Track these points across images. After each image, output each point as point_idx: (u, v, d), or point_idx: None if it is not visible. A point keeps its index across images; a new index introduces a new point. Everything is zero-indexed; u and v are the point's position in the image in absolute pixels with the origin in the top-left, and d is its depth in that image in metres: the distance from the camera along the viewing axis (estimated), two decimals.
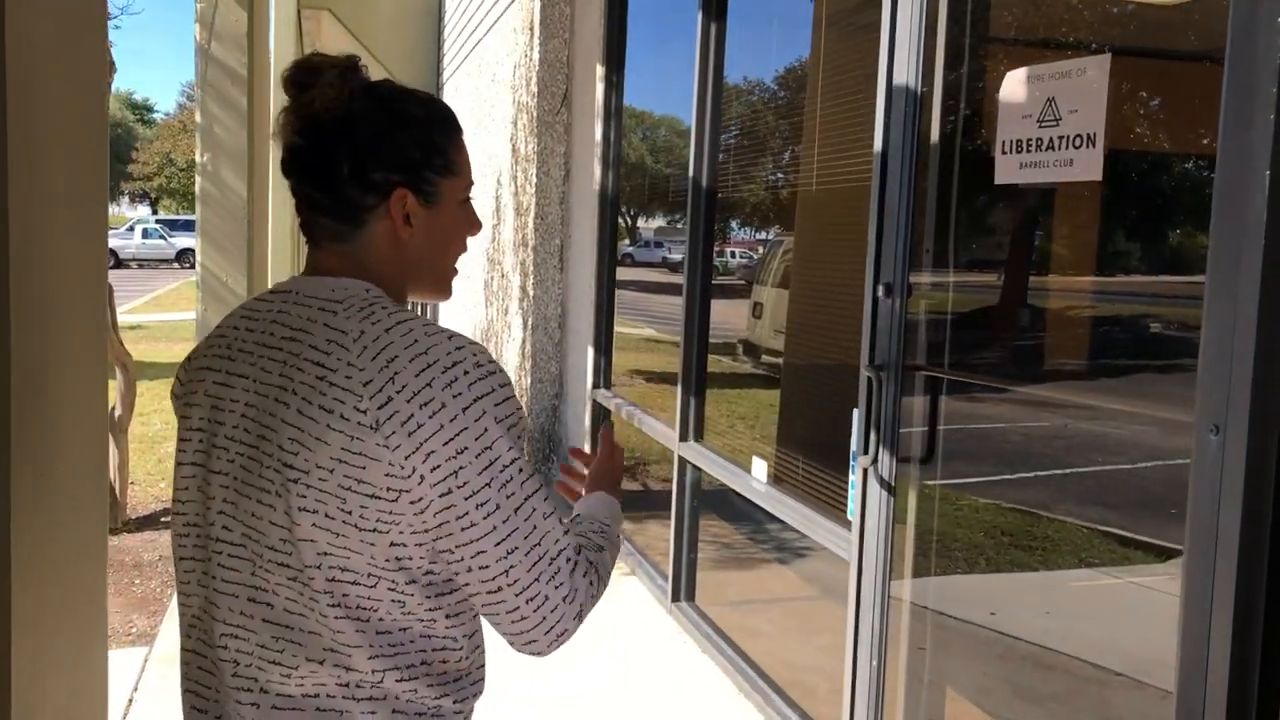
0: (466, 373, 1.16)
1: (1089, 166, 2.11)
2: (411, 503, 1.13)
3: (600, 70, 5.96)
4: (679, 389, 4.55)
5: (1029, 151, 2.26)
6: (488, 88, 9.34)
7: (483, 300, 9.21)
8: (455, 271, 1.36)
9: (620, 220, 6.09)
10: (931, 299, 2.70)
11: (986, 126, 2.51)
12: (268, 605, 1.19)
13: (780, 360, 3.98)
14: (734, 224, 4.64)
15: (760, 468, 3.82)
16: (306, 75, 1.24)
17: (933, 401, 2.65)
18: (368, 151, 1.23)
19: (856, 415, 3.03)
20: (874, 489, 2.77)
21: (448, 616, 1.21)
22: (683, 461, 4.55)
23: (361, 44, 10.70)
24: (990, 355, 2.66)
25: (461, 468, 1.14)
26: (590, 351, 6.11)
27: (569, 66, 6.76)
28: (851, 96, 3.28)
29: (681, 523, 4.60)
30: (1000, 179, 2.36)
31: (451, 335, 1.19)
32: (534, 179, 7.02)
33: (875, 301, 2.77)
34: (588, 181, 6.19)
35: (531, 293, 7.08)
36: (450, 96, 11.98)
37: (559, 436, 6.99)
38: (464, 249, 1.35)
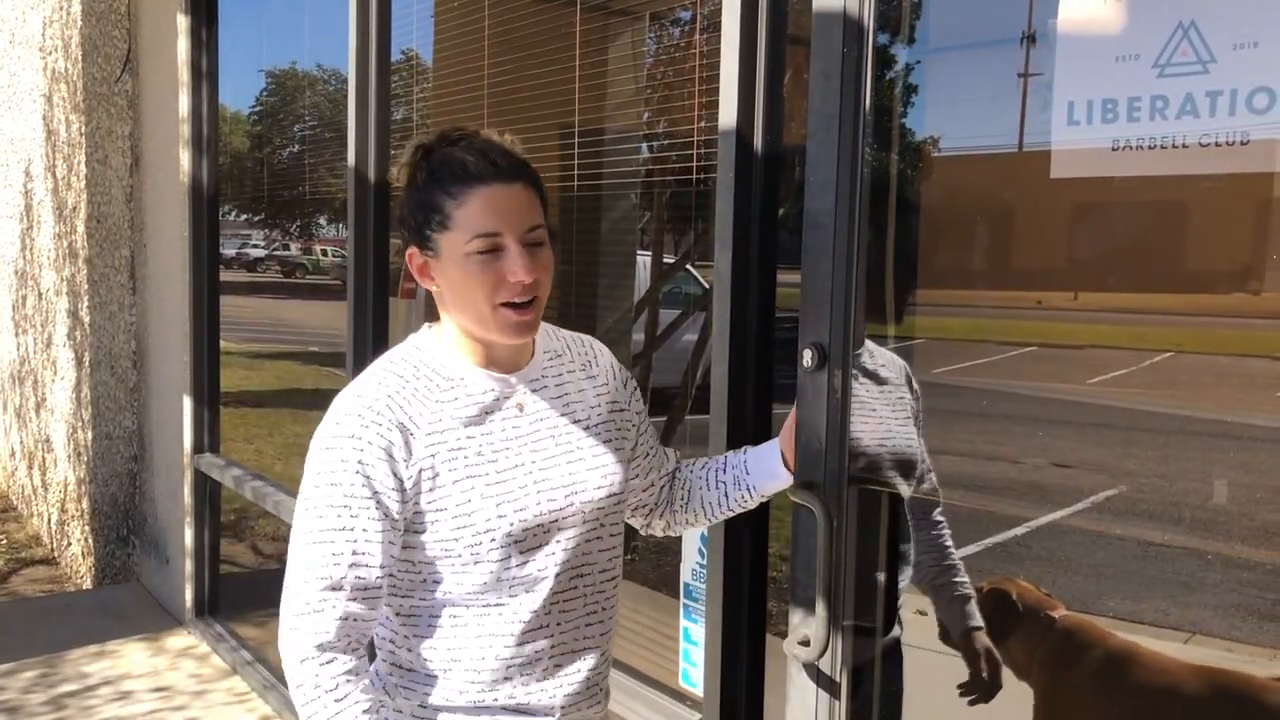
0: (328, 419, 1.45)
1: None
2: None
3: (184, 21, 4.39)
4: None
5: (1133, 120, 1.29)
6: (4, 53, 7.20)
7: (10, 329, 7.09)
8: (499, 311, 1.40)
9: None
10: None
11: (1012, 73, 1.52)
12: None
13: None
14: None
15: None
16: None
17: (891, 534, 1.63)
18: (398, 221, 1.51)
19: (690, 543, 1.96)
20: (803, 688, 1.69)
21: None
22: None
23: None
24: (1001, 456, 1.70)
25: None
26: (188, 402, 4.50)
27: (131, 18, 5.06)
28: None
29: None
30: (1062, 170, 1.37)
31: (356, 388, 1.43)
32: (83, 170, 5.25)
33: (759, 371, 1.71)
34: (171, 172, 4.57)
35: (87, 320, 5.31)
36: None
37: (143, 514, 5.26)
38: (495, 294, 1.39)
